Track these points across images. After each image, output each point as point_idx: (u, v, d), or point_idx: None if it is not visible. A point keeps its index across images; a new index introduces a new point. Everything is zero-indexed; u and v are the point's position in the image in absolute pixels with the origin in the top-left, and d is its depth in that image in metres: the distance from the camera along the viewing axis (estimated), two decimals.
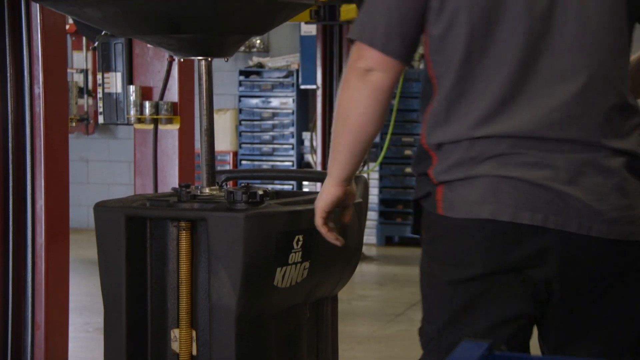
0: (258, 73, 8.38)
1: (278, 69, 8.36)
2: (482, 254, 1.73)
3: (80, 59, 8.27)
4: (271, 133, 8.31)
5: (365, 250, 7.39)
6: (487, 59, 1.76)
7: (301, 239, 2.12)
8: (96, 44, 3.99)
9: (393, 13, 1.80)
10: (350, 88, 1.80)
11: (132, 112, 3.88)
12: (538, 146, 1.73)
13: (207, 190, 2.21)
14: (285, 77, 8.28)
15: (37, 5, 2.73)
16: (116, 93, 3.96)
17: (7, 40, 2.75)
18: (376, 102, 1.80)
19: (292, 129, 8.25)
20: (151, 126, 3.89)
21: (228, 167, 8.24)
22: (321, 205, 1.92)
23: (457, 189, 1.75)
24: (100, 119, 4.07)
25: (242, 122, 8.37)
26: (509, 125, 1.74)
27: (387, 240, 8.10)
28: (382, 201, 8.02)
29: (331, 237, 1.96)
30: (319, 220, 1.94)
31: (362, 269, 6.93)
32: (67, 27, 6.12)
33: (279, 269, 2.08)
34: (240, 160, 8.35)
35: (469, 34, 1.76)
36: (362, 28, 1.80)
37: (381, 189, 8.02)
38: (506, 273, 1.73)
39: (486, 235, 1.72)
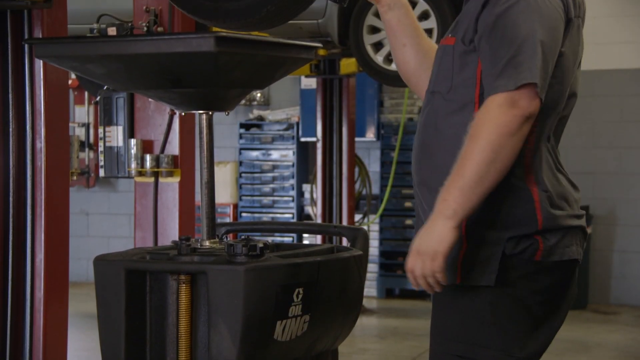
0: (258, 126, 8.43)
1: (278, 122, 8.41)
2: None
3: (82, 113, 8.34)
4: (271, 185, 8.33)
5: (365, 302, 7.35)
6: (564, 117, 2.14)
7: (301, 291, 2.12)
8: (98, 98, 4.03)
9: (550, 66, 1.97)
10: (513, 135, 1.91)
11: (133, 165, 3.90)
12: None
13: (207, 243, 2.21)
14: (286, 129, 8.33)
15: (41, 61, 2.76)
16: (117, 146, 3.99)
17: (10, 95, 2.78)
18: (520, 148, 1.95)
19: (292, 181, 8.27)
20: (152, 179, 3.91)
21: (228, 220, 8.23)
22: (443, 250, 1.92)
23: None
24: (102, 172, 4.09)
25: (243, 175, 8.39)
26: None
27: (387, 293, 8.05)
28: (383, 253, 8.00)
29: (445, 280, 1.96)
30: (441, 265, 1.93)
31: (363, 321, 6.88)
32: (70, 81, 6.17)
33: (279, 322, 2.07)
34: (241, 212, 8.35)
35: (565, 90, 2.07)
36: (538, 75, 1.93)
37: (381, 241, 8.00)
38: None
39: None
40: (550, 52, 1.97)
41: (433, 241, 1.94)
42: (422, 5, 4.98)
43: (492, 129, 1.91)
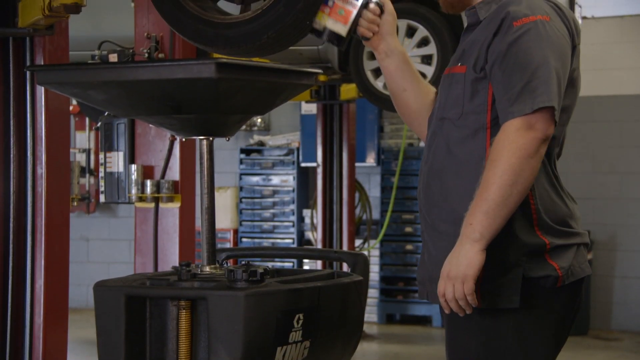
0: (259, 151, 8.45)
1: (279, 147, 8.43)
2: None
3: (83, 138, 8.36)
4: (272, 210, 8.33)
5: (366, 328, 7.32)
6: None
7: (302, 317, 2.11)
8: (99, 124, 4.05)
9: (561, 89, 2.04)
10: (532, 157, 1.99)
11: (134, 190, 3.90)
12: None
13: (207, 269, 2.20)
14: (286, 155, 8.34)
15: (42, 88, 2.78)
16: (118, 172, 4.00)
17: (11, 121, 2.79)
18: (538, 171, 2.04)
19: (293, 207, 8.27)
20: (152, 204, 3.91)
21: (228, 245, 8.22)
22: (473, 273, 1.99)
23: None
24: (102, 198, 4.09)
25: (243, 200, 8.39)
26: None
27: (388, 318, 8.02)
28: (383, 279, 7.98)
29: (477, 303, 2.02)
30: (472, 287, 1.99)
31: (363, 347, 6.85)
32: (71, 107, 6.19)
33: (279, 348, 2.06)
34: (241, 237, 8.35)
35: (571, 114, 2.17)
36: (555, 99, 2.00)
37: (382, 266, 7.98)
38: None
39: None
40: (563, 78, 2.05)
41: (462, 265, 2.00)
42: (422, 32, 5.01)
43: (511, 152, 1.98)
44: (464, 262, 1.99)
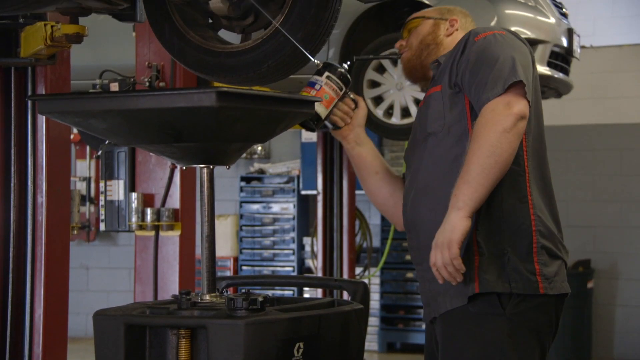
0: (259, 179, 8.45)
1: (279, 175, 8.43)
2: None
3: (83, 167, 8.37)
4: (272, 238, 8.32)
5: (366, 356, 7.28)
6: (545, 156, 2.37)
7: (302, 346, 2.10)
8: (100, 152, 4.05)
9: (527, 74, 2.23)
10: (508, 131, 2.14)
11: (134, 218, 3.90)
12: None
13: (207, 297, 2.20)
14: (286, 182, 8.35)
15: (43, 117, 2.79)
16: (118, 200, 4.00)
17: (12, 150, 2.80)
18: (518, 145, 2.19)
19: (293, 234, 8.26)
20: (152, 233, 3.90)
21: (229, 273, 8.20)
22: (457, 237, 2.13)
23: None
24: (102, 226, 4.09)
25: (243, 228, 8.38)
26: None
27: (388, 347, 7.98)
28: (384, 307, 7.95)
29: (462, 266, 2.15)
30: (456, 252, 2.13)
31: None
32: (72, 136, 6.20)
33: None
34: (241, 265, 8.33)
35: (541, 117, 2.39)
36: (515, 76, 2.18)
37: (382, 294, 7.96)
38: None
39: None
40: (526, 69, 2.24)
41: (447, 231, 2.14)
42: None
43: (488, 127, 2.15)
44: (448, 228, 2.14)
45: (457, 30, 2.50)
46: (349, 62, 2.52)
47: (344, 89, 2.48)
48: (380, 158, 2.57)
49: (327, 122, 2.53)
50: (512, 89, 2.19)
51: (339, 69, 2.47)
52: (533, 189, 2.28)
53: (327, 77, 2.46)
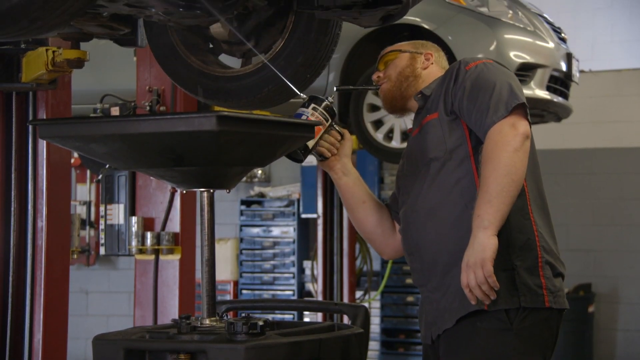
0: (259, 202, 8.45)
1: (279, 199, 8.43)
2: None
3: (83, 191, 8.37)
4: (272, 262, 8.30)
5: None
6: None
7: None
8: (100, 176, 4.06)
9: (522, 92, 2.33)
10: (518, 150, 2.24)
11: (134, 242, 3.90)
12: None
13: (207, 322, 2.19)
14: (286, 206, 8.34)
15: (44, 141, 2.79)
16: (118, 224, 4.00)
17: (13, 175, 2.80)
18: (527, 163, 2.28)
19: (293, 258, 8.24)
20: (152, 257, 3.90)
21: (229, 297, 8.18)
22: (489, 256, 2.18)
23: None
24: (102, 250, 4.08)
25: (243, 251, 8.37)
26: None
27: None
28: (384, 331, 7.91)
29: (497, 284, 2.20)
30: (490, 269, 2.17)
31: None
32: (72, 160, 6.21)
33: None
34: (241, 289, 8.30)
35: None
36: (516, 99, 2.28)
37: (383, 318, 7.93)
38: None
39: None
40: (521, 91, 2.33)
41: (478, 251, 2.19)
42: None
43: (499, 149, 2.24)
44: (478, 248, 2.18)
45: (432, 64, 2.59)
46: (333, 95, 2.58)
47: (329, 121, 2.53)
48: (366, 188, 2.63)
49: (314, 153, 2.57)
50: (514, 111, 2.27)
51: (324, 102, 2.51)
52: (533, 207, 2.36)
53: (313, 108, 2.50)
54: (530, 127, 2.31)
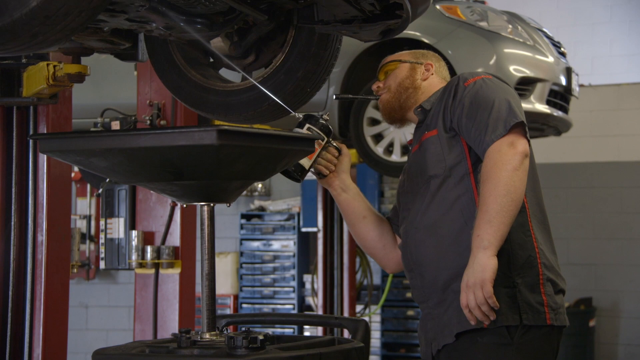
0: (259, 216, 8.45)
1: (279, 212, 8.43)
2: None
3: (84, 205, 8.37)
4: (272, 276, 8.29)
5: None
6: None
7: None
8: (100, 190, 4.06)
9: (522, 110, 2.33)
10: (517, 169, 2.23)
11: (134, 256, 3.90)
12: None
13: (207, 336, 2.19)
14: (287, 220, 8.34)
15: (44, 155, 2.79)
16: (118, 238, 3.99)
17: (13, 189, 2.80)
18: (526, 181, 2.27)
19: (293, 272, 8.23)
20: (152, 271, 3.89)
21: (229, 311, 8.16)
22: (489, 276, 2.17)
23: None
24: (102, 265, 4.08)
25: (243, 265, 8.36)
26: None
27: None
28: (384, 345, 7.89)
29: (497, 304, 2.20)
30: (490, 290, 2.17)
31: None
32: (72, 174, 6.20)
33: None
34: (241, 303, 8.29)
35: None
36: (515, 117, 2.27)
37: (383, 332, 7.91)
38: None
39: None
40: (520, 109, 2.33)
41: (478, 272, 2.18)
42: None
43: (499, 168, 2.22)
44: (478, 269, 2.18)
45: (432, 74, 2.59)
46: (328, 113, 2.59)
47: (325, 139, 2.54)
48: (366, 202, 2.63)
49: (311, 171, 2.58)
50: (513, 130, 2.27)
51: (320, 120, 2.52)
52: (534, 223, 2.36)
53: (308, 129, 2.51)
54: (530, 145, 2.31)
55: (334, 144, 2.61)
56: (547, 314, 2.30)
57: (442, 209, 2.36)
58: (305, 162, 2.53)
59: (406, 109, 2.57)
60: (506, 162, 2.23)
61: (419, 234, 2.40)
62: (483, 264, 2.18)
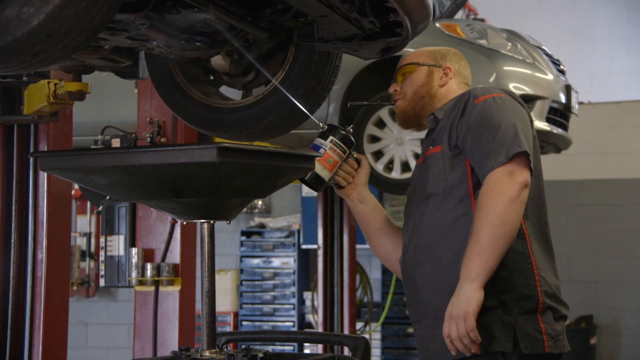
0: (259, 233, 8.44)
1: (279, 229, 8.42)
2: None
3: (84, 222, 8.37)
4: (272, 293, 8.28)
5: None
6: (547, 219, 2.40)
7: None
8: (100, 208, 4.06)
9: (528, 140, 2.26)
10: (514, 200, 2.17)
11: (134, 274, 3.89)
12: None
13: (207, 354, 2.18)
14: (287, 237, 8.34)
15: (45, 173, 2.80)
16: (118, 256, 3.99)
17: (13, 207, 2.80)
18: (523, 212, 2.21)
19: (294, 289, 8.22)
20: (152, 288, 3.88)
21: (229, 329, 8.14)
22: (472, 310, 2.13)
23: None
24: (102, 282, 4.07)
25: (243, 282, 8.35)
26: None
27: None
28: None
29: (479, 338, 2.15)
30: (472, 324, 2.11)
31: None
32: (73, 192, 6.21)
33: None
34: (241, 320, 8.27)
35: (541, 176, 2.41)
36: (518, 146, 2.20)
37: (383, 349, 7.88)
38: None
39: None
40: (527, 134, 2.27)
41: (462, 304, 2.13)
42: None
43: (495, 198, 2.17)
44: (463, 300, 2.14)
45: (450, 79, 2.53)
46: (352, 125, 2.59)
47: (347, 151, 2.52)
48: (384, 214, 2.59)
49: (330, 183, 2.57)
50: (515, 158, 2.22)
51: (343, 132, 2.50)
52: (535, 248, 2.31)
53: (332, 141, 2.49)
54: (532, 173, 2.25)
55: (355, 156, 2.59)
56: (546, 342, 2.26)
57: (440, 230, 2.32)
58: (325, 173, 2.52)
59: (422, 117, 2.53)
60: (503, 192, 2.17)
61: (416, 253, 2.38)
62: (468, 297, 2.14)
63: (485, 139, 2.25)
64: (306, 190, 7.91)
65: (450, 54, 2.59)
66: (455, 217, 2.30)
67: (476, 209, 2.20)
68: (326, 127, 2.54)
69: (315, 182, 2.51)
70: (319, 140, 2.52)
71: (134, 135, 4.03)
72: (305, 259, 8.37)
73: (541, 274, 2.29)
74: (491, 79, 4.59)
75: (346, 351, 2.57)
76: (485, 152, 2.23)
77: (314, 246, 7.53)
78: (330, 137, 2.49)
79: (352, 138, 2.54)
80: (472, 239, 2.17)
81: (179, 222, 3.84)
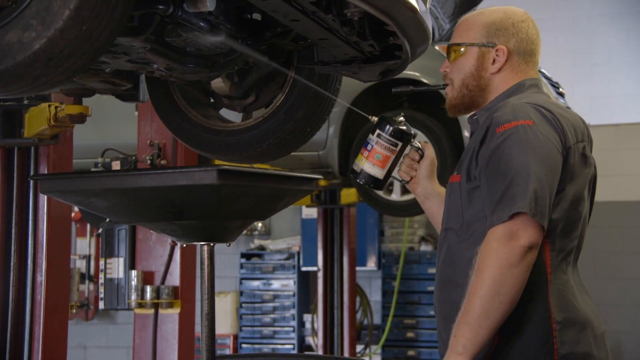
0: (259, 255, 8.43)
1: (279, 251, 8.41)
2: None
3: (84, 245, 8.36)
4: (272, 315, 8.25)
5: None
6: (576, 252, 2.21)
7: None
8: (100, 230, 4.05)
9: (547, 193, 1.99)
10: (515, 266, 1.91)
11: (133, 296, 3.88)
12: None
13: None
14: (287, 259, 8.32)
15: (45, 196, 2.80)
16: (118, 278, 3.98)
17: (13, 229, 2.80)
18: (527, 277, 1.94)
19: (293, 311, 8.19)
20: (152, 310, 3.87)
21: (228, 351, 8.10)
22: None
23: None
24: (101, 305, 4.05)
25: (243, 305, 8.32)
26: None
27: None
28: None
29: None
30: None
31: None
32: (72, 214, 6.21)
33: None
34: (241, 343, 8.23)
35: (581, 213, 2.24)
36: (528, 204, 1.93)
37: None
38: None
39: None
40: (547, 180, 2.00)
41: None
42: (422, 137, 5.08)
43: (492, 262, 1.92)
44: None
45: (506, 61, 2.17)
46: (403, 114, 2.33)
47: (399, 144, 2.30)
48: None
49: (396, 178, 2.36)
50: (519, 216, 1.95)
51: (391, 124, 2.28)
52: (556, 298, 2.08)
53: (378, 135, 2.29)
54: (545, 229, 1.98)
55: (417, 145, 2.34)
56: None
57: (457, 268, 2.10)
58: (376, 170, 2.32)
59: (473, 108, 2.22)
60: (501, 256, 1.91)
61: (437, 288, 2.20)
62: None
63: (496, 186, 1.99)
64: (306, 212, 7.90)
65: (508, 25, 2.17)
66: (471, 257, 2.03)
67: (474, 269, 1.96)
68: (377, 119, 2.32)
69: (370, 183, 2.32)
70: (369, 136, 2.32)
71: (134, 158, 4.03)
72: (305, 281, 8.35)
73: (558, 327, 2.04)
74: None
75: None
76: (493, 201, 1.98)
77: (314, 268, 7.52)
78: (377, 131, 2.29)
79: (404, 129, 2.28)
80: (464, 306, 1.95)
81: (178, 244, 3.83)
